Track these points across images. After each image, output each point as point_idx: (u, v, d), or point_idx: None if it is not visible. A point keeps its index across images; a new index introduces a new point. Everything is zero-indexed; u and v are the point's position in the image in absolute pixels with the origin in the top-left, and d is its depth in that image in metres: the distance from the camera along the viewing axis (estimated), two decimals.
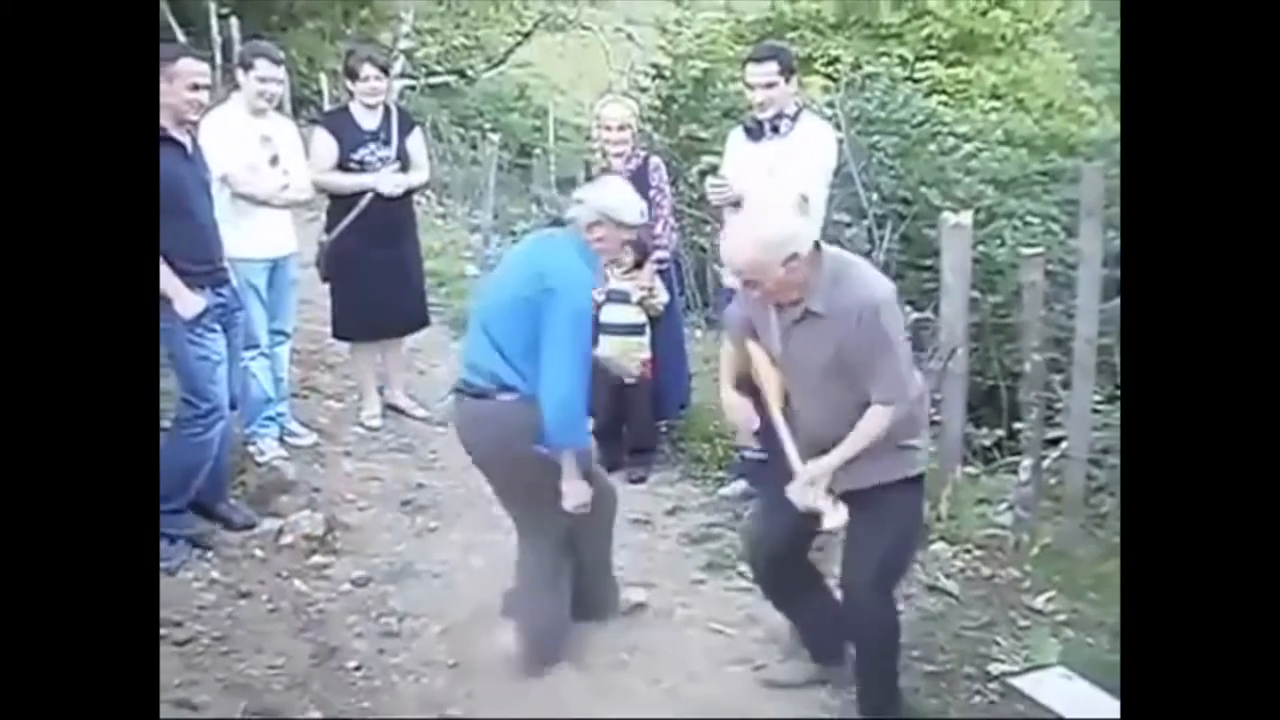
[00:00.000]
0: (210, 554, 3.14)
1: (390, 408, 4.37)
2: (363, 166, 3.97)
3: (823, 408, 2.32)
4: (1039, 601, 2.99)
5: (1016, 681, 2.59)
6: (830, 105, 7.09)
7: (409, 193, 4.13)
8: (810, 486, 2.30)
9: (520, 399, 2.53)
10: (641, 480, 3.90)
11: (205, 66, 3.07)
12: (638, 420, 3.94)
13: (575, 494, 2.58)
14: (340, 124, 4.04)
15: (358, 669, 2.70)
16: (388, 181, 3.96)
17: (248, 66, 3.69)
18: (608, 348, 3.83)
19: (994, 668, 2.67)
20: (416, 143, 4.16)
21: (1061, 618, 2.91)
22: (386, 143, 4.00)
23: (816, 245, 2.26)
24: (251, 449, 3.77)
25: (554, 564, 2.69)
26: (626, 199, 2.67)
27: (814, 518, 2.33)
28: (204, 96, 3.01)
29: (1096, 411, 3.40)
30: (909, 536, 2.44)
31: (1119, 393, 3.58)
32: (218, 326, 3.06)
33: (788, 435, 2.37)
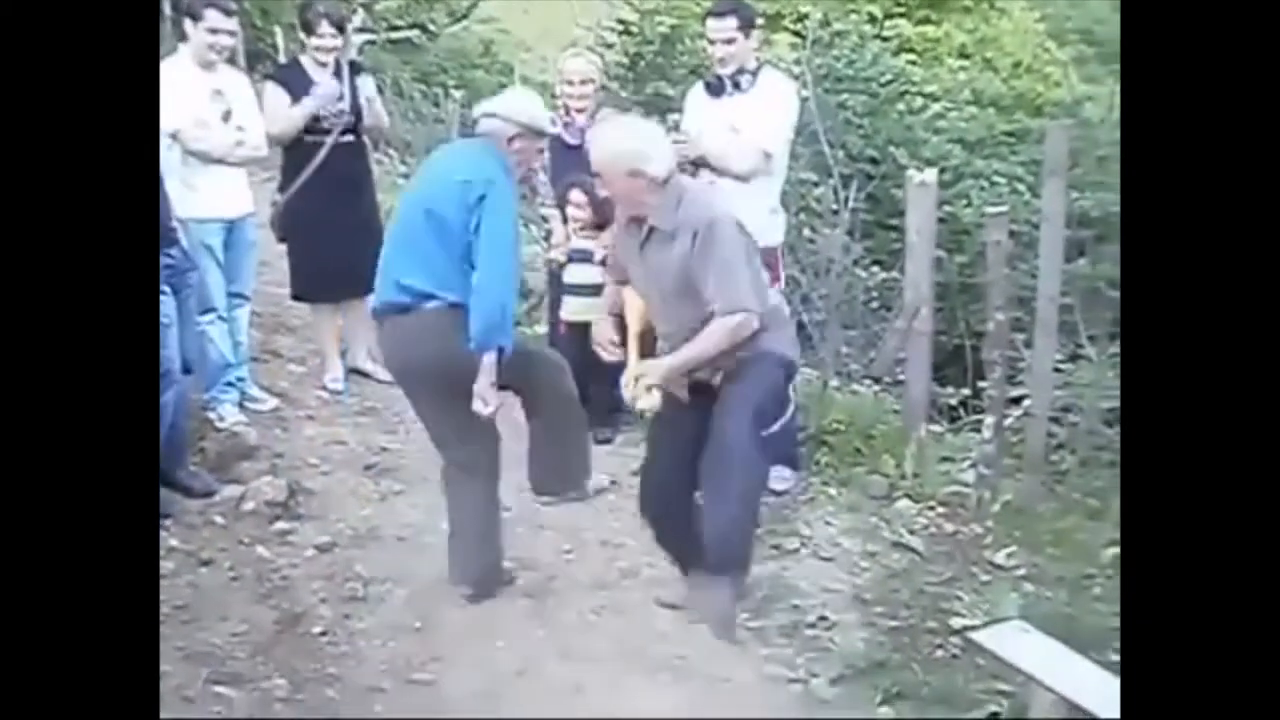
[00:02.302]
0: (170, 522, 3.08)
1: (353, 371, 4.31)
2: (318, 121, 3.87)
3: (677, 320, 2.54)
4: (1000, 557, 3.04)
5: (976, 635, 2.64)
6: (798, 63, 7.01)
7: (363, 140, 4.03)
8: (636, 380, 2.53)
9: (445, 305, 2.62)
10: (608, 441, 3.90)
11: None
12: (602, 380, 3.92)
13: (487, 398, 2.63)
14: (293, 78, 3.92)
15: (323, 635, 2.68)
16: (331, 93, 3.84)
17: (196, 17, 3.54)
18: (571, 308, 3.80)
19: (955, 622, 2.72)
20: (368, 88, 4.02)
21: (1021, 572, 2.96)
22: (340, 97, 3.89)
23: (671, 176, 2.48)
24: (211, 415, 3.70)
25: (486, 504, 2.79)
26: (540, 109, 2.79)
27: (696, 447, 2.52)
28: None
29: (1058, 370, 3.44)
30: (773, 391, 2.60)
31: (1080, 352, 3.63)
32: (167, 289, 2.97)
33: (634, 347, 2.68)
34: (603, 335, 2.81)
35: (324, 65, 3.88)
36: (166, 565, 2.89)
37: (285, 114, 3.83)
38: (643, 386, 2.53)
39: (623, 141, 2.46)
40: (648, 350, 2.71)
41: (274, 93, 3.89)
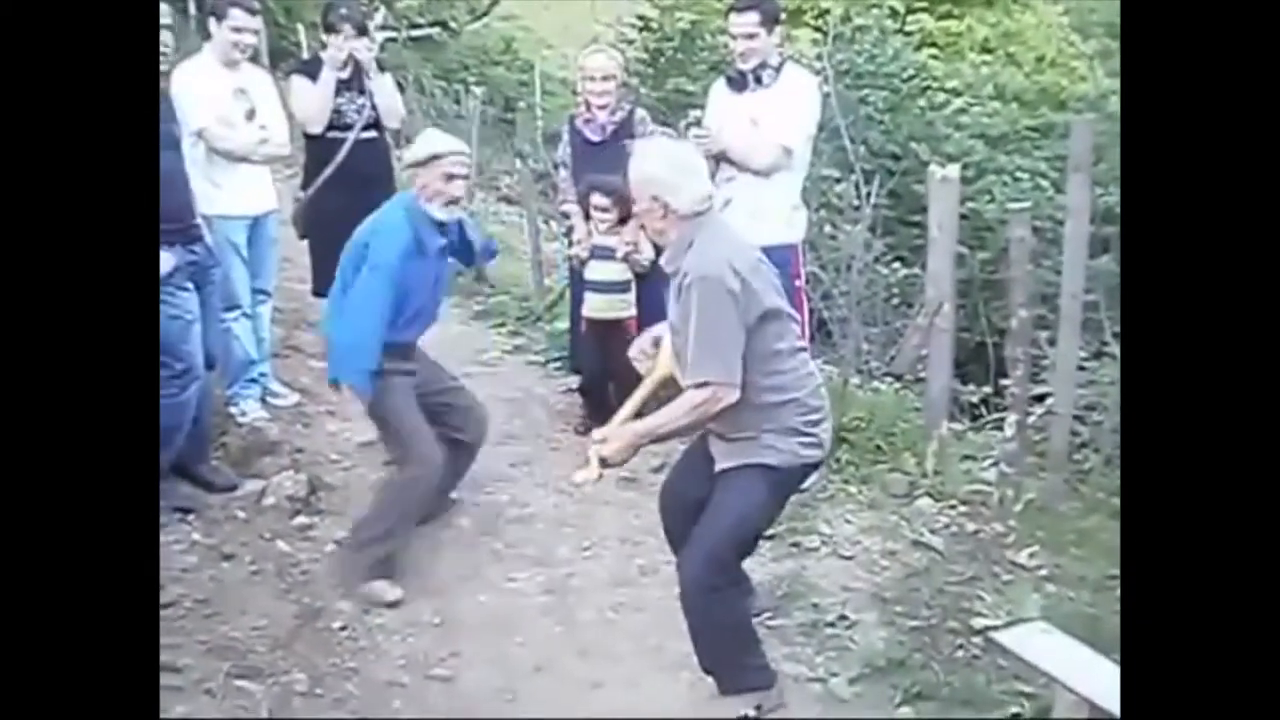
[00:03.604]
0: (192, 516, 3.11)
1: None
2: (340, 115, 3.89)
3: (681, 368, 2.32)
4: (1022, 556, 3.01)
5: (998, 635, 2.61)
6: (819, 58, 6.97)
7: (385, 137, 4.04)
8: (600, 442, 2.33)
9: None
10: None
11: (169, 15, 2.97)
12: (623, 377, 3.92)
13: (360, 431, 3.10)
14: (317, 73, 3.93)
15: (342, 629, 2.69)
16: (363, 51, 3.87)
17: (220, 15, 3.57)
18: (593, 305, 3.80)
19: (977, 622, 2.69)
20: (384, 82, 4.02)
21: (1044, 572, 2.93)
22: (361, 92, 3.91)
23: (694, 215, 2.27)
24: (233, 410, 3.73)
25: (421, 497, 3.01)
26: (423, 141, 3.06)
27: (712, 473, 2.34)
28: (169, 46, 2.92)
29: (1082, 368, 3.39)
30: (746, 520, 2.33)
31: (1104, 349, 3.58)
32: (190, 285, 2.99)
33: (636, 399, 2.47)
34: (636, 349, 2.63)
35: (344, 66, 3.88)
36: (188, 559, 2.91)
37: (311, 96, 3.85)
38: (595, 452, 2.33)
39: (655, 165, 2.32)
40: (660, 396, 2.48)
41: (300, 84, 3.91)
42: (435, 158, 2.95)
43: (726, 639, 2.37)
